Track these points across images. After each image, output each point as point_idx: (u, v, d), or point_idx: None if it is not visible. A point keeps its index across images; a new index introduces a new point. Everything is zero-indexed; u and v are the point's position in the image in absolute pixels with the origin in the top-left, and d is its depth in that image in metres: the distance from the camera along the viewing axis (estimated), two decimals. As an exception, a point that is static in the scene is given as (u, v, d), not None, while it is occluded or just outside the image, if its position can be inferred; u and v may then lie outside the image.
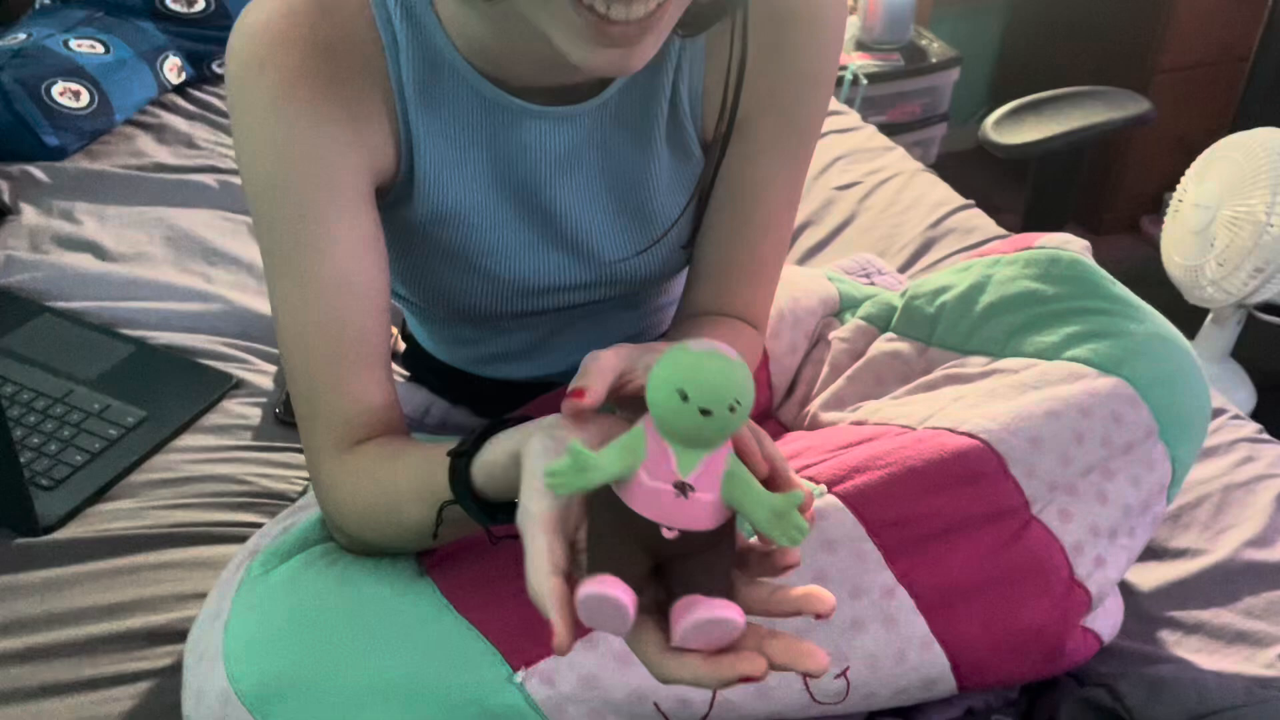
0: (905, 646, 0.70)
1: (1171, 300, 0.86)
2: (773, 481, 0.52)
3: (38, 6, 1.73)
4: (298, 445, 1.07)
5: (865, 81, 2.30)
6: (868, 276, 1.19)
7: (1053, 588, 0.72)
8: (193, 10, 1.73)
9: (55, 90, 1.53)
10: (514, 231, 0.76)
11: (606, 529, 0.45)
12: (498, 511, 0.57)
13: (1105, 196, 2.60)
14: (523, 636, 0.66)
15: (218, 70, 1.75)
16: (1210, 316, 1.89)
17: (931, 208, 1.47)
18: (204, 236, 1.37)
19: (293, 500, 0.98)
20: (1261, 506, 0.97)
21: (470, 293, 0.78)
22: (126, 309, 1.22)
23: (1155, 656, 0.84)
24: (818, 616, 0.45)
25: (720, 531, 0.45)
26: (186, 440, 1.06)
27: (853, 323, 0.95)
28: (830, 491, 0.71)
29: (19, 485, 0.93)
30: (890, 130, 2.13)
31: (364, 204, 0.68)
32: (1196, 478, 1.00)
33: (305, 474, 1.03)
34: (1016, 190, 2.10)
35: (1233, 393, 1.89)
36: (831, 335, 0.95)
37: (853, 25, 2.45)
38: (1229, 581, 0.90)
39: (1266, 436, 1.07)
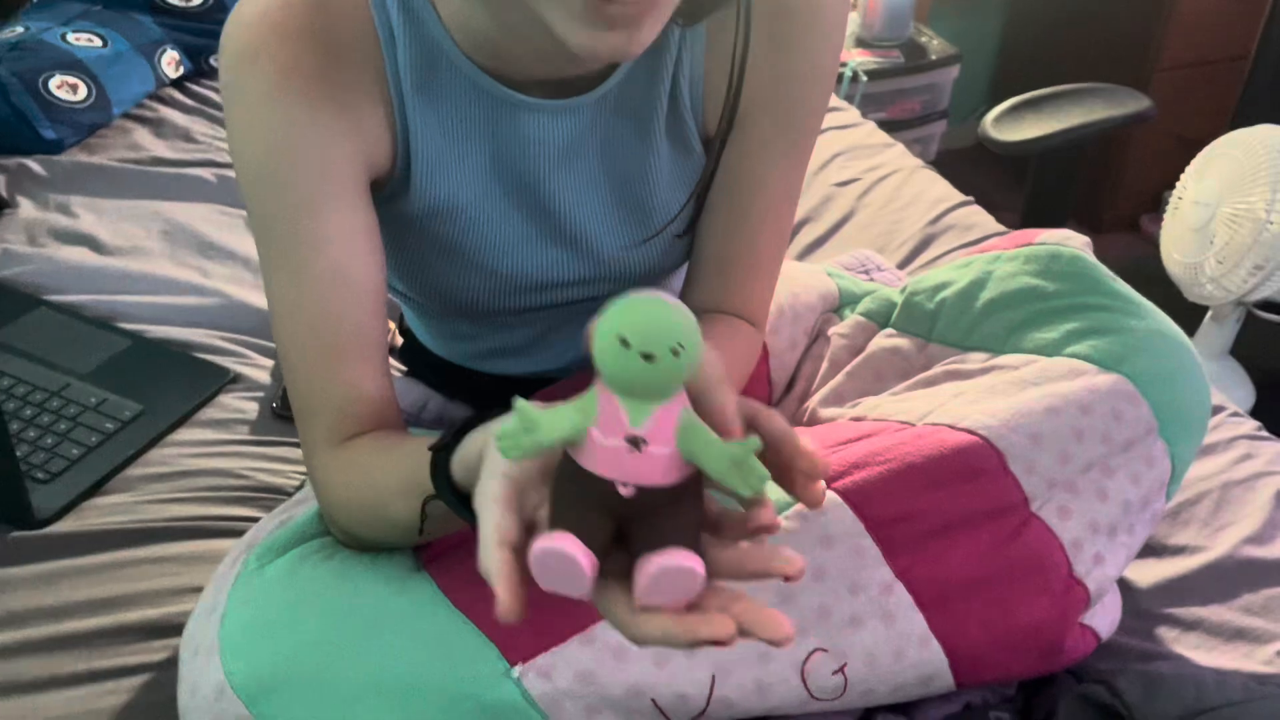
0: (903, 643, 0.70)
1: (1171, 298, 0.86)
2: (785, 456, 0.49)
3: (35, 0, 1.72)
4: (294, 440, 1.06)
5: (865, 78, 2.30)
6: (867, 273, 1.19)
7: (1052, 585, 0.72)
8: (191, 4, 1.73)
9: (53, 83, 1.53)
10: (512, 226, 0.76)
11: (565, 495, 0.44)
12: None
13: (1105, 195, 2.59)
14: (520, 631, 0.66)
15: (215, 64, 1.75)
16: (1209, 314, 1.89)
17: (931, 204, 1.47)
18: (201, 231, 1.36)
19: (289, 495, 0.98)
20: (1260, 504, 0.97)
21: (468, 288, 0.78)
22: (123, 303, 1.22)
23: (1153, 653, 0.84)
24: (786, 579, 0.44)
25: (681, 489, 0.43)
26: (183, 434, 1.06)
27: (852, 319, 0.95)
28: (830, 487, 0.71)
29: (15, 478, 0.93)
30: (889, 127, 2.13)
31: (359, 197, 0.68)
32: (1195, 475, 1.00)
33: (302, 469, 1.03)
34: (1016, 189, 2.10)
35: (1232, 390, 1.89)
36: (831, 331, 0.95)
37: (852, 22, 2.44)
38: (1227, 578, 0.90)
39: (1265, 434, 1.07)
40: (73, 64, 1.56)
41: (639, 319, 0.40)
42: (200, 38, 1.73)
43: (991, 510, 0.72)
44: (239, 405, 1.10)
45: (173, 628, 0.84)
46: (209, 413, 1.09)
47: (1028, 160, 1.87)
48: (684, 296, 0.82)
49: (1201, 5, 2.32)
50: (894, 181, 1.54)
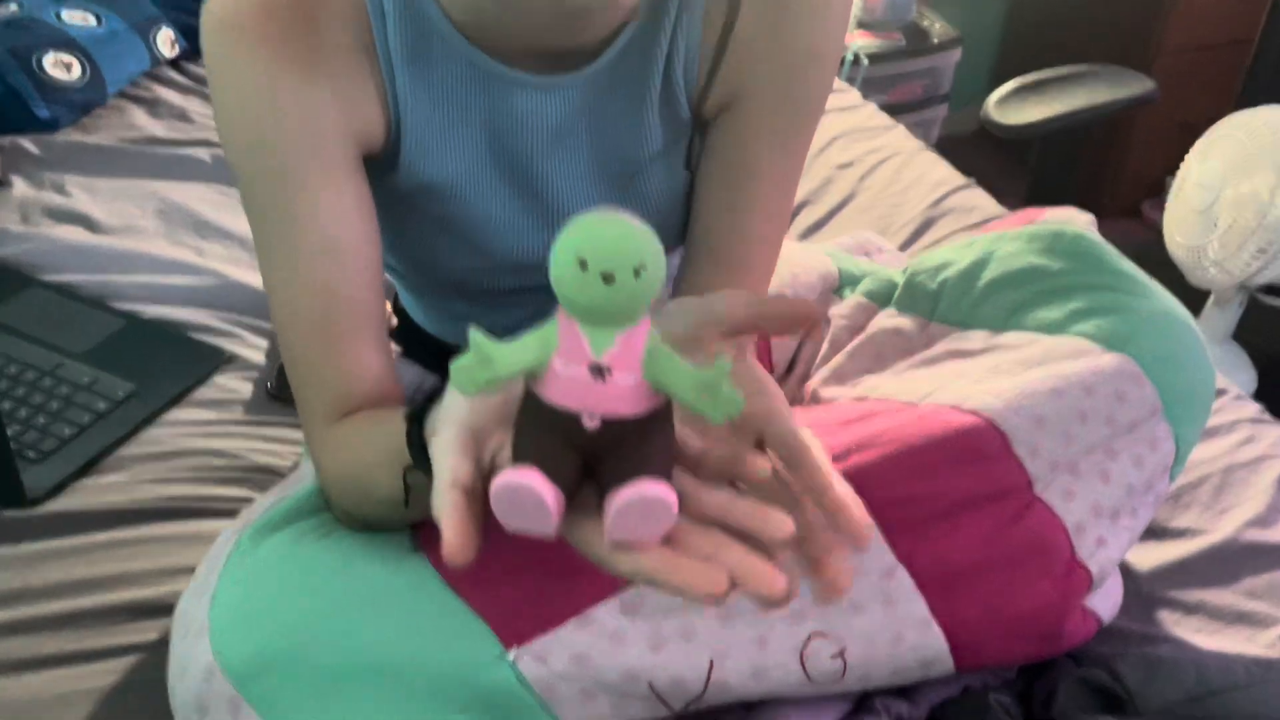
0: (903, 627, 0.69)
1: (1172, 283, 0.85)
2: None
3: (29, -23, 1.71)
4: (289, 420, 1.06)
5: (866, 61, 2.28)
6: (867, 255, 1.18)
7: (1054, 568, 0.71)
8: (187, -18, 1.72)
9: (46, 62, 1.51)
10: (502, 205, 0.75)
11: (527, 431, 0.41)
12: None
13: (1106, 181, 2.58)
14: (516, 614, 0.65)
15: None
16: (1212, 298, 1.88)
17: (932, 187, 1.46)
18: (196, 210, 1.36)
19: (283, 476, 0.97)
20: (1263, 487, 0.96)
21: (459, 266, 0.77)
22: (117, 282, 1.21)
23: (1155, 637, 0.83)
24: (774, 540, 0.42)
25: (650, 420, 0.41)
26: (176, 414, 1.05)
27: (853, 299, 0.94)
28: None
29: (6, 457, 0.92)
30: (891, 111, 2.11)
31: (350, 170, 0.67)
32: (1198, 458, 0.99)
33: (296, 449, 1.02)
34: (1017, 175, 2.09)
35: (1234, 375, 1.88)
36: (831, 312, 0.94)
37: (854, 4, 2.43)
38: (1230, 562, 0.90)
39: (1268, 417, 1.07)
40: (67, 42, 1.55)
41: (597, 238, 0.38)
42: (196, 17, 1.70)
43: (995, 493, 0.71)
44: (233, 385, 1.10)
45: (164, 608, 0.84)
46: (203, 393, 1.08)
47: (1029, 146, 1.86)
48: (676, 290, 0.80)
49: (1206, -11, 2.31)
50: (895, 164, 1.53)
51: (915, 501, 0.70)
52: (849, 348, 0.89)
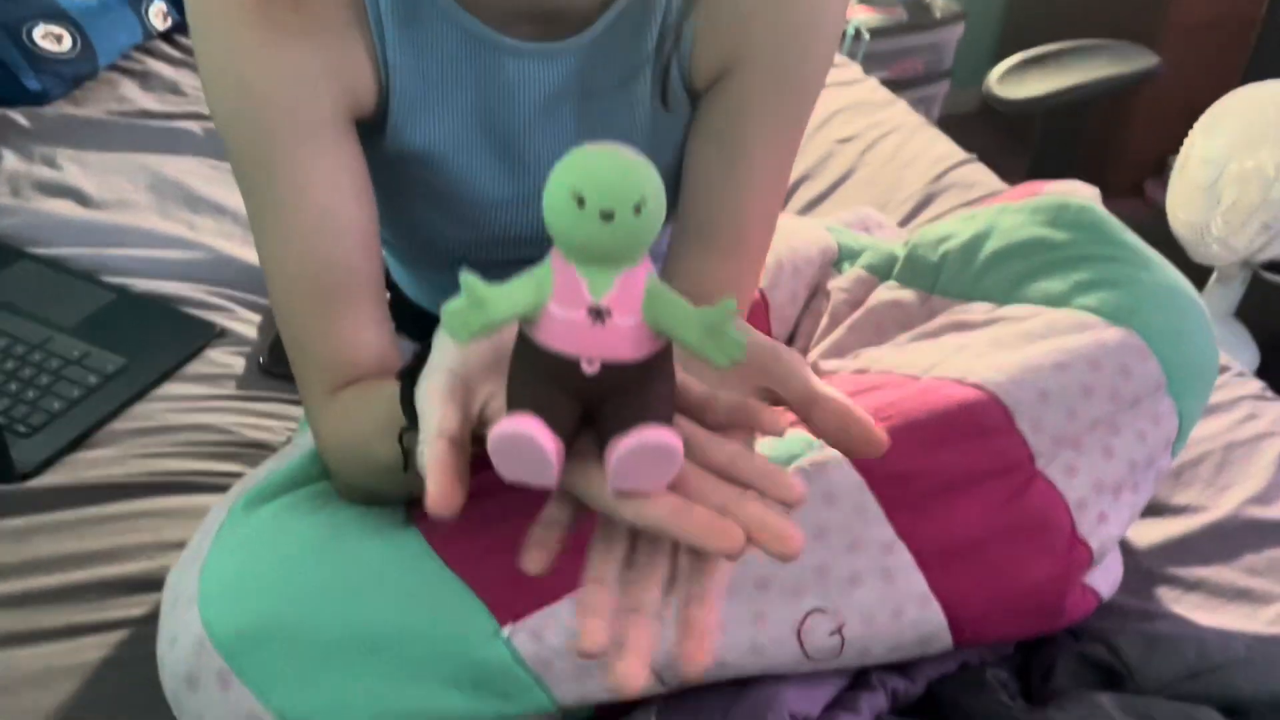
0: (902, 603, 0.68)
1: (1175, 261, 0.83)
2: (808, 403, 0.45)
3: (19, -53, 1.68)
4: (281, 395, 1.05)
5: (867, 36, 2.26)
6: (867, 230, 1.16)
7: (1054, 545, 0.71)
8: (178, -47, 1.69)
9: (36, 33, 1.49)
10: (491, 177, 0.73)
11: (523, 378, 0.39)
12: None
13: (1109, 159, 2.56)
14: (511, 590, 0.64)
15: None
16: (1215, 275, 1.86)
17: (933, 162, 1.45)
18: (188, 184, 1.34)
19: (275, 451, 0.96)
20: (1264, 464, 0.96)
21: (448, 237, 0.76)
22: (108, 256, 1.20)
23: (1154, 613, 0.83)
24: (781, 502, 0.40)
25: (651, 364, 0.39)
26: (168, 389, 1.04)
27: (853, 272, 0.93)
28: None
29: (-5, 432, 0.91)
30: (892, 87, 2.09)
31: (341, 133, 0.65)
32: (1199, 435, 0.99)
33: (288, 424, 1.01)
34: (1019, 153, 2.07)
35: (1237, 352, 1.87)
36: (831, 285, 0.93)
37: (855, -21, 2.41)
38: (1230, 539, 0.89)
39: (1270, 394, 1.06)
40: (57, 14, 1.53)
41: (595, 173, 0.35)
42: (188, -12, 1.70)
43: (996, 468, 0.70)
44: (225, 360, 1.09)
45: (155, 583, 0.83)
46: (195, 367, 1.07)
47: (1031, 124, 1.85)
48: (664, 275, 0.78)
49: (1211, -35, 2.28)
50: (896, 139, 1.51)
51: (916, 476, 0.69)
52: (849, 321, 0.88)
